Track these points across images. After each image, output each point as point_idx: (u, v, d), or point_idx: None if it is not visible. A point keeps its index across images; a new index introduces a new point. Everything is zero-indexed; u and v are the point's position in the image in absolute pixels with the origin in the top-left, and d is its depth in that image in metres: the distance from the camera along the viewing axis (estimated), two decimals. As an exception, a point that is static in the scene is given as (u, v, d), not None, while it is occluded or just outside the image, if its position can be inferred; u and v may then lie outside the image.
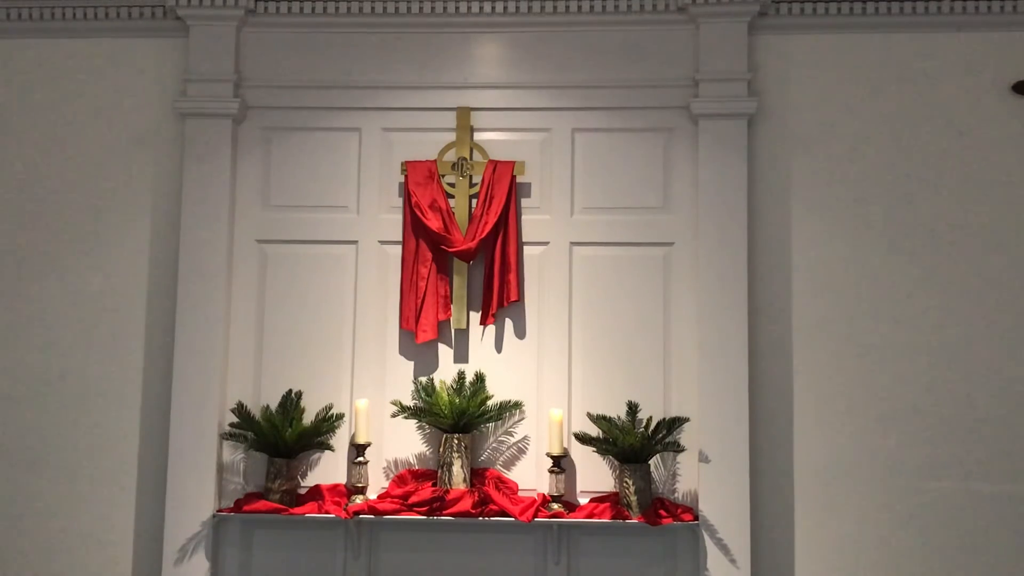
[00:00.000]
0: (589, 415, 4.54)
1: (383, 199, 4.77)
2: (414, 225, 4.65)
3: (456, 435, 4.48)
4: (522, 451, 4.62)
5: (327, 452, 4.61)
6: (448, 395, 4.53)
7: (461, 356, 4.68)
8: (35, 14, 4.89)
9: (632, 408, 4.50)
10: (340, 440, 4.62)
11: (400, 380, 4.66)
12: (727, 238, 4.57)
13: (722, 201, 4.59)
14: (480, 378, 4.59)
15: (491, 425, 4.61)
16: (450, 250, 4.60)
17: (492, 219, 4.61)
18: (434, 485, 4.49)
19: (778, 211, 4.69)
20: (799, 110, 4.74)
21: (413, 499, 4.41)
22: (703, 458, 4.46)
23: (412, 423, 4.60)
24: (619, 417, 4.51)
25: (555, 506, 4.42)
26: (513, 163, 4.69)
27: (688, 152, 4.70)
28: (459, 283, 4.67)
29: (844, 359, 4.61)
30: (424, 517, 4.39)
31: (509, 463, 4.62)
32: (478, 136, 4.79)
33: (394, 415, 4.57)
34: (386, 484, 4.59)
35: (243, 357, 4.69)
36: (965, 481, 4.53)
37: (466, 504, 4.37)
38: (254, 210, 4.78)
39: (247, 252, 4.75)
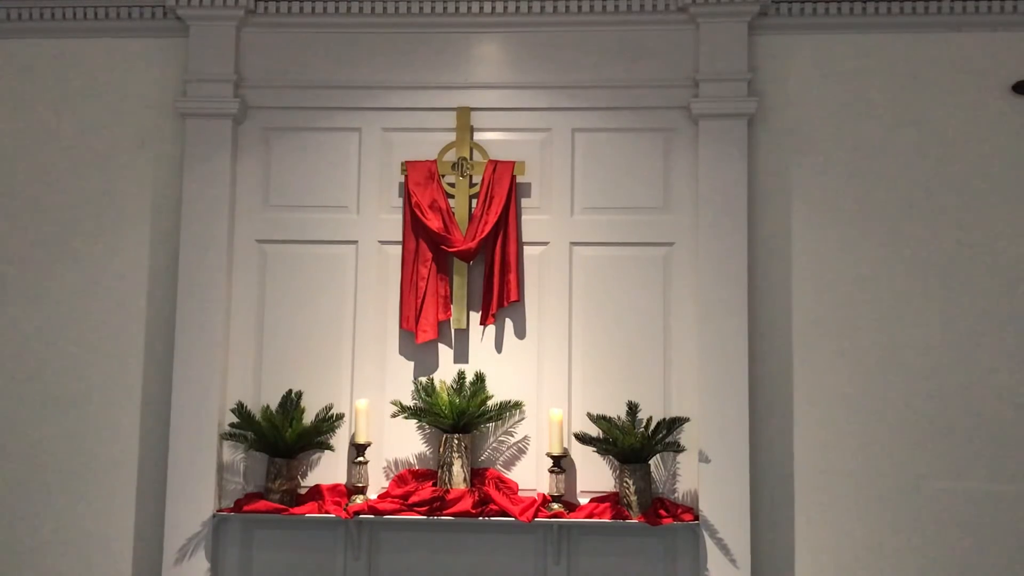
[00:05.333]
0: (589, 415, 4.54)
1: (383, 199, 4.77)
2: (414, 225, 4.66)
3: (456, 435, 4.48)
4: (522, 451, 4.62)
5: (327, 452, 4.61)
6: (448, 395, 4.53)
7: (461, 356, 4.68)
8: (35, 14, 4.89)
9: (632, 408, 4.51)
10: (340, 440, 4.62)
11: (400, 380, 4.66)
12: (727, 238, 4.57)
13: (722, 201, 4.60)
14: (480, 378, 4.59)
15: (491, 425, 4.61)
16: (450, 250, 4.60)
17: (492, 219, 4.61)
18: (434, 485, 4.49)
19: (778, 211, 4.70)
20: (799, 110, 4.75)
21: (413, 499, 4.41)
22: (703, 458, 4.46)
23: (412, 423, 4.60)
24: (619, 417, 4.51)
25: (555, 506, 4.42)
26: (513, 163, 4.69)
27: (688, 152, 4.70)
28: (459, 283, 4.67)
29: (844, 359, 4.61)
30: (424, 517, 4.39)
31: (509, 463, 4.62)
32: (478, 136, 4.79)
33: (394, 415, 4.57)
34: (386, 484, 4.59)
35: (243, 357, 4.69)
36: (965, 481, 4.53)
37: (466, 504, 4.37)
38: (254, 210, 4.78)
39: (247, 252, 4.75)
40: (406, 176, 4.69)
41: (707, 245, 4.58)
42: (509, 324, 4.69)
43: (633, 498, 4.40)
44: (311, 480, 4.63)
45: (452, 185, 4.72)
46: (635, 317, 4.65)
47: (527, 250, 4.71)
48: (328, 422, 4.58)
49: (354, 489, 4.49)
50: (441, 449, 4.51)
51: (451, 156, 4.75)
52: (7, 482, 4.72)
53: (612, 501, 4.46)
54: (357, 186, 4.78)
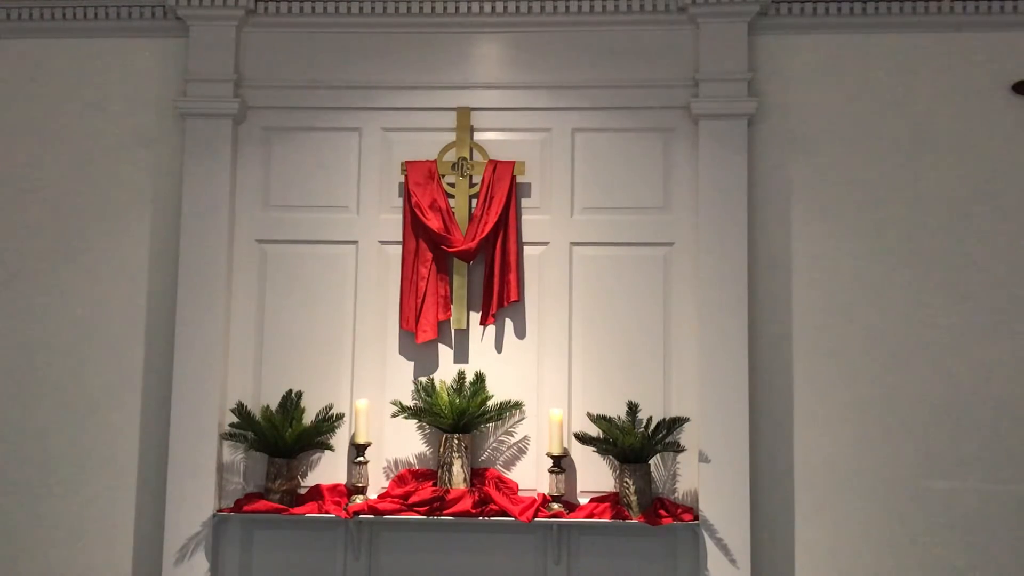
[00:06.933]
0: (589, 415, 4.54)
1: (383, 199, 4.77)
2: (414, 225, 4.66)
3: (456, 435, 4.48)
4: (522, 451, 4.62)
5: (327, 452, 4.61)
6: (448, 395, 4.53)
7: (461, 356, 4.68)
8: (35, 14, 4.89)
9: (632, 408, 4.51)
10: (340, 440, 4.62)
11: (400, 380, 4.66)
12: (727, 238, 4.57)
13: (722, 201, 4.59)
14: (480, 378, 4.59)
15: (491, 425, 4.61)
16: (450, 250, 4.60)
17: (492, 219, 4.61)
18: (434, 485, 4.49)
19: (778, 211, 4.69)
20: (799, 110, 4.75)
21: (413, 499, 4.41)
22: (703, 458, 4.46)
23: (412, 423, 4.60)
24: (619, 417, 4.51)
25: (555, 506, 4.42)
26: (513, 163, 4.69)
27: (688, 152, 4.70)
28: (459, 283, 4.67)
29: (844, 359, 4.61)
30: (424, 517, 4.39)
31: (509, 463, 4.62)
32: (478, 136, 4.79)
33: (394, 415, 4.57)
34: (386, 484, 4.59)
35: (243, 357, 4.69)
36: (965, 481, 4.53)
37: (466, 504, 4.37)
38: (254, 210, 4.78)
39: (247, 252, 4.75)
40: (406, 176, 4.69)
41: (707, 245, 4.58)
42: (509, 324, 4.69)
43: (633, 498, 4.40)
44: (311, 480, 4.63)
45: (452, 185, 4.72)
46: (635, 317, 4.65)
47: (527, 250, 4.71)
48: (328, 422, 4.58)
49: (354, 489, 4.49)
50: (441, 449, 4.51)
51: (451, 156, 4.75)
52: (7, 482, 4.72)
53: (612, 501, 4.46)
54: (357, 186, 4.78)
